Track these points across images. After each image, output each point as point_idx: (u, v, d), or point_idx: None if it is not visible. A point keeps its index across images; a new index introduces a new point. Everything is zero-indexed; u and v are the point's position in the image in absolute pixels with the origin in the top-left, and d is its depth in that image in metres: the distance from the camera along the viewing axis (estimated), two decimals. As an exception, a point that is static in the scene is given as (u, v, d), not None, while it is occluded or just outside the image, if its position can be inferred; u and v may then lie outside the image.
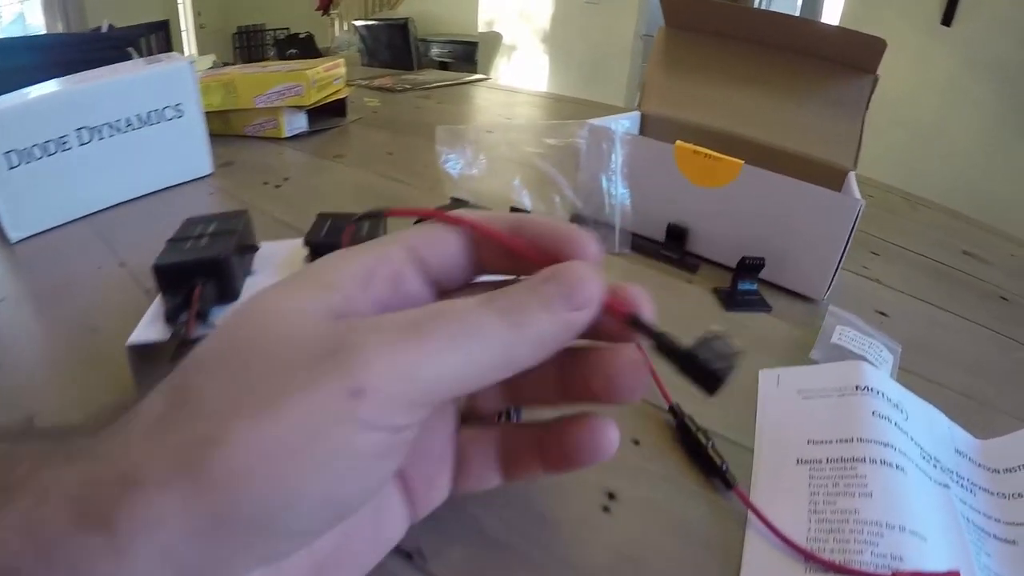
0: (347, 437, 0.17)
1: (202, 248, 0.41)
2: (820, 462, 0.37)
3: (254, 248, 0.47)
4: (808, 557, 0.31)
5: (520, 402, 0.30)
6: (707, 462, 0.37)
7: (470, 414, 0.29)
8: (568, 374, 0.25)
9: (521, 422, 0.33)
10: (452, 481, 0.27)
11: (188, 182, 0.68)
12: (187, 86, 0.67)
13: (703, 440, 0.37)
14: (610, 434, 0.25)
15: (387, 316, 0.19)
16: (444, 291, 0.25)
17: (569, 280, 0.21)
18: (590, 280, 0.21)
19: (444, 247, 0.24)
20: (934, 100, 2.40)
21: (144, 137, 0.66)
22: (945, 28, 2.34)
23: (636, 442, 0.39)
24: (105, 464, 0.17)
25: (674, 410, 0.40)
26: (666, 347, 0.22)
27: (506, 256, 0.24)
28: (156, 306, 0.40)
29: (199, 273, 0.39)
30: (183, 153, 0.68)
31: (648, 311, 0.23)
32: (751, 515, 0.34)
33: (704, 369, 0.22)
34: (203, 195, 0.66)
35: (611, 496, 0.34)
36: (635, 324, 0.22)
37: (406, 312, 0.20)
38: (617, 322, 0.22)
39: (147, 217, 0.64)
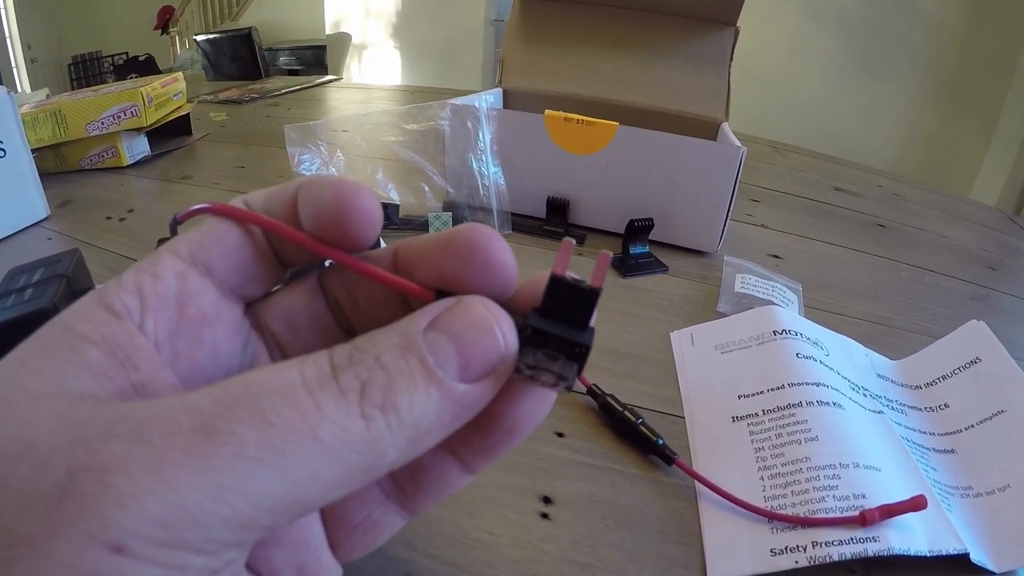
0: None
1: (25, 301, 0.34)
2: (756, 415, 0.34)
3: (90, 290, 0.40)
4: (771, 517, 0.28)
5: None
6: (641, 440, 0.33)
7: None
8: None
9: None
10: (336, 551, 0.19)
11: (20, 231, 0.59)
12: (8, 120, 0.57)
13: (632, 418, 0.34)
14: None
15: (161, 407, 0.13)
16: (251, 300, 0.19)
17: (462, 333, 0.15)
18: (494, 327, 0.15)
19: (228, 242, 0.17)
20: (781, 52, 2.58)
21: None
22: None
23: (560, 435, 0.35)
24: None
25: (593, 392, 0.36)
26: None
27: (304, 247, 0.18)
28: None
29: (24, 332, 0.32)
30: (10, 198, 0.58)
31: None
32: (701, 486, 0.31)
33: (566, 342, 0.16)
34: (39, 242, 0.57)
35: (547, 500, 0.30)
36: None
37: (192, 398, 0.13)
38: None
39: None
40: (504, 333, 0.15)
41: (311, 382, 0.13)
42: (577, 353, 0.16)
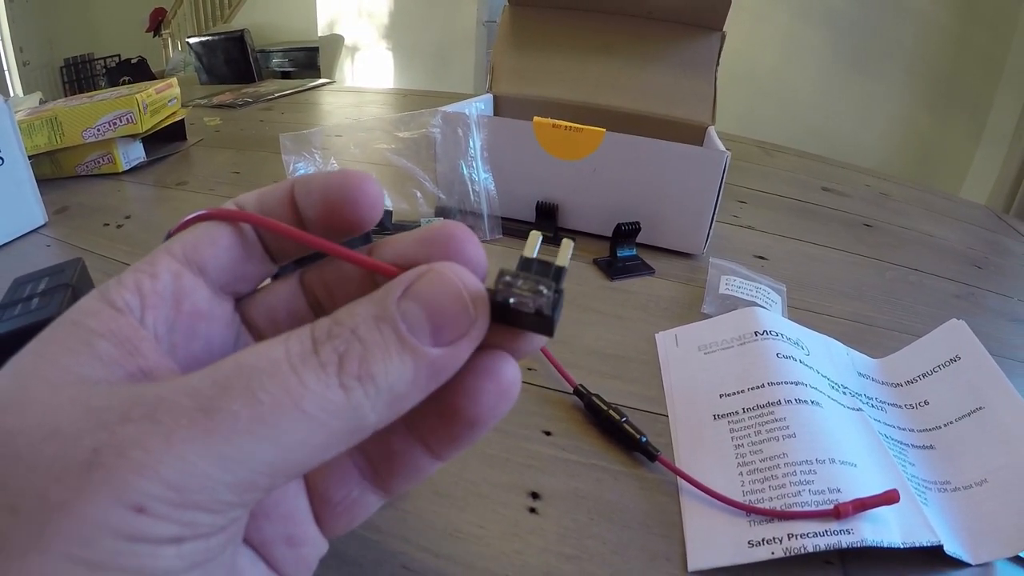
0: (141, 560, 0.13)
1: (33, 311, 0.35)
2: (737, 413, 0.35)
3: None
4: (749, 511, 0.29)
5: None
6: (625, 438, 0.34)
7: None
8: None
9: None
10: (322, 527, 0.20)
11: (19, 238, 0.59)
12: (5, 127, 0.57)
13: (616, 416, 0.35)
14: (512, 370, 0.18)
15: (166, 390, 0.14)
16: (241, 296, 0.20)
17: (433, 299, 0.16)
18: (462, 291, 0.16)
19: (220, 243, 0.18)
20: (773, 53, 2.60)
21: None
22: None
23: (548, 433, 0.36)
24: None
25: (579, 392, 0.37)
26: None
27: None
28: None
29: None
30: (8, 205, 0.58)
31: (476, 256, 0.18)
32: (683, 482, 0.32)
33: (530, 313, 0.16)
34: (38, 249, 0.58)
35: (535, 496, 0.31)
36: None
37: (193, 380, 0.14)
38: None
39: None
40: (472, 295, 0.16)
41: (294, 358, 0.15)
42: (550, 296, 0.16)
